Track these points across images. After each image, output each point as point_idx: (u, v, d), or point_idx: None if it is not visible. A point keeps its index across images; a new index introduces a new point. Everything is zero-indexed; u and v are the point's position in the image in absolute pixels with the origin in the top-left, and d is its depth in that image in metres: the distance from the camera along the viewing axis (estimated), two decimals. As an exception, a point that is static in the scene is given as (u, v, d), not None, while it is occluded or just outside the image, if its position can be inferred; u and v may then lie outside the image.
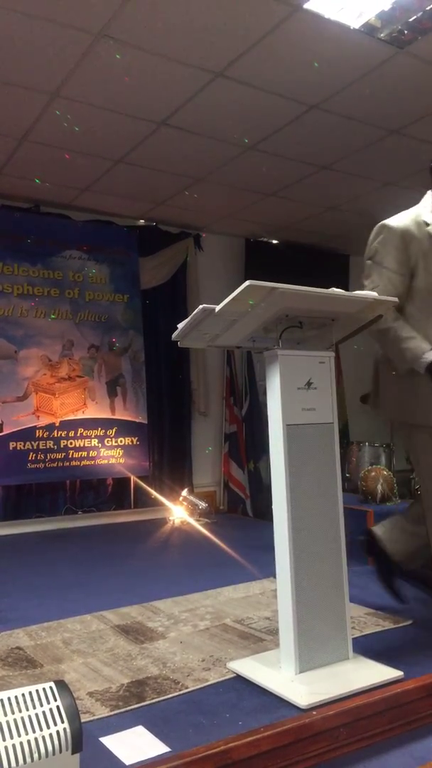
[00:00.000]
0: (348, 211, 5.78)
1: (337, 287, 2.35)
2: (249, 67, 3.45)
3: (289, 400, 2.26)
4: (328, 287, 2.31)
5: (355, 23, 3.09)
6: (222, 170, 4.82)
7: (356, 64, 3.45)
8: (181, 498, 5.72)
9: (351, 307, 2.37)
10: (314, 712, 1.92)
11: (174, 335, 2.34)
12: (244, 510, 6.04)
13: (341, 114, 3.99)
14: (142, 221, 5.96)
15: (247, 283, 2.05)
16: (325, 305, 2.31)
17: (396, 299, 2.46)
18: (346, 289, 2.45)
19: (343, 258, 7.03)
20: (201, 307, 2.17)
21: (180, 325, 2.30)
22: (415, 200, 2.88)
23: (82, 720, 1.52)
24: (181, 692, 2.16)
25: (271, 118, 4.04)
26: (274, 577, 2.28)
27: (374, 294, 2.37)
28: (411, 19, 3.06)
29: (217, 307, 2.13)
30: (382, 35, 3.18)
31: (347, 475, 5.14)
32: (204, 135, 4.24)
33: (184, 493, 5.76)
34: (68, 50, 3.27)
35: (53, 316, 5.39)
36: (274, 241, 6.59)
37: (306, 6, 2.96)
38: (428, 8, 2.98)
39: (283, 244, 6.60)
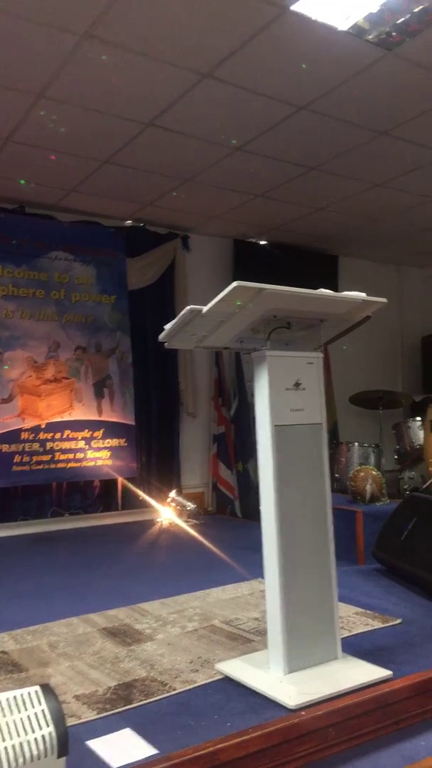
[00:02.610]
0: (336, 212, 5.80)
1: (326, 288, 2.35)
2: (237, 68, 3.44)
3: (277, 400, 2.25)
4: (316, 288, 2.31)
5: (343, 25, 3.09)
6: (210, 171, 4.82)
7: (344, 65, 3.45)
8: (169, 499, 5.70)
9: (339, 307, 2.37)
10: (303, 713, 1.92)
11: (161, 336, 2.33)
12: (232, 511, 6.03)
13: (329, 115, 3.99)
14: (129, 222, 5.94)
15: (234, 283, 2.05)
16: (313, 306, 2.31)
17: (384, 300, 2.46)
18: (335, 290, 2.45)
19: (331, 259, 7.05)
20: (188, 308, 2.17)
21: (167, 326, 2.29)
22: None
23: (69, 723, 1.50)
24: (169, 694, 2.15)
25: (259, 119, 4.04)
26: (263, 577, 2.28)
27: (362, 295, 2.37)
28: (399, 21, 3.06)
29: (205, 308, 2.12)
30: (370, 37, 3.19)
31: (336, 475, 5.15)
32: (192, 136, 4.23)
33: (173, 494, 5.75)
34: (54, 51, 3.24)
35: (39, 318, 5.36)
36: (263, 242, 6.59)
37: (293, 8, 2.96)
38: (416, 10, 2.99)
39: (271, 245, 6.61)
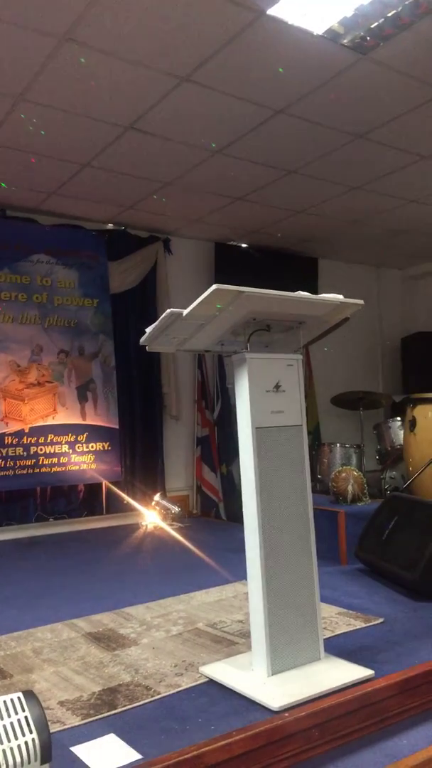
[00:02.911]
0: (316, 214, 5.84)
1: (307, 290, 2.37)
2: (214, 72, 3.46)
3: (257, 402, 2.27)
4: (296, 290, 2.33)
5: (318, 29, 3.12)
6: (189, 174, 4.83)
7: (320, 69, 3.48)
8: (153, 502, 5.70)
9: (317, 309, 2.39)
10: (286, 714, 1.93)
11: (142, 340, 2.34)
12: (217, 513, 6.04)
13: (306, 119, 4.03)
14: (110, 225, 5.93)
15: (214, 287, 2.06)
16: (292, 308, 2.32)
17: (362, 302, 2.48)
18: (316, 292, 2.47)
19: (311, 261, 7.10)
20: (169, 311, 2.17)
21: (148, 330, 2.29)
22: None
23: (53, 730, 1.50)
24: (153, 698, 2.15)
25: (237, 123, 4.06)
26: (247, 579, 2.28)
27: (340, 297, 2.40)
28: (373, 26, 3.10)
29: (185, 311, 2.13)
30: (345, 41, 3.22)
31: (318, 476, 5.17)
32: (171, 139, 4.24)
33: (157, 497, 5.74)
34: (32, 54, 3.24)
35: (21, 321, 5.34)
36: (243, 245, 6.62)
37: (269, 12, 2.98)
38: (389, 15, 3.02)
39: (252, 247, 6.63)
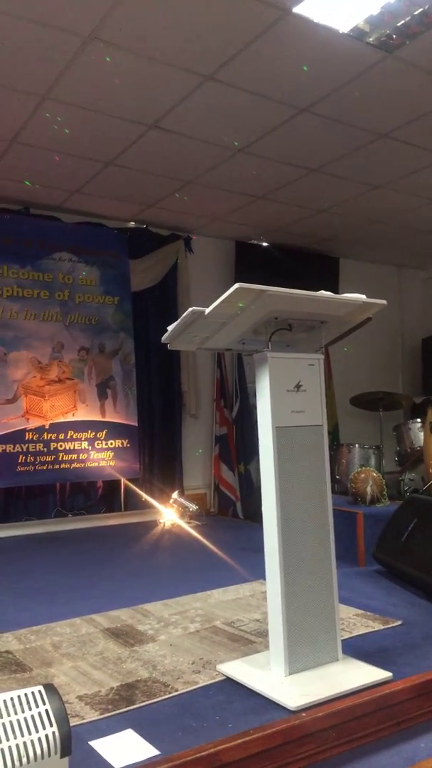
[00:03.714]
0: (337, 214, 5.81)
1: (327, 290, 2.36)
2: (239, 71, 3.46)
3: (278, 402, 2.26)
4: (317, 290, 2.32)
5: (344, 27, 3.11)
6: (212, 173, 4.83)
7: (345, 68, 3.46)
8: (171, 500, 5.71)
9: (340, 309, 2.38)
10: (304, 714, 1.93)
11: (164, 338, 2.34)
12: (234, 512, 6.04)
13: (330, 117, 4.01)
14: (132, 223, 5.95)
15: (236, 285, 2.06)
16: (314, 308, 2.32)
17: (384, 302, 2.47)
18: (337, 292, 2.46)
19: (332, 260, 7.06)
20: (191, 309, 2.18)
21: (170, 328, 2.30)
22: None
23: (72, 723, 1.51)
24: (171, 695, 2.16)
25: (260, 121, 4.05)
26: (264, 579, 2.29)
27: (363, 297, 2.38)
28: (399, 24, 3.08)
29: (207, 310, 2.13)
30: (370, 39, 3.20)
31: (337, 477, 5.15)
32: (194, 138, 4.24)
33: (175, 495, 5.76)
34: (58, 52, 3.27)
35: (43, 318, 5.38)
36: (264, 244, 6.61)
37: (295, 10, 2.98)
38: (416, 13, 3.00)
39: (273, 246, 6.62)
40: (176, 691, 2.19)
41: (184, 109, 3.85)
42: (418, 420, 5.76)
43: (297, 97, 3.77)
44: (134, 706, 2.08)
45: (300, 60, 3.38)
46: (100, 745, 1.83)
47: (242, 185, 5.11)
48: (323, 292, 2.31)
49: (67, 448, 5.41)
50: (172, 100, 3.77)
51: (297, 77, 3.53)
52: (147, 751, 1.80)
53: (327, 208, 5.66)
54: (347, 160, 4.66)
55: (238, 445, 6.22)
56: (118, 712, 2.04)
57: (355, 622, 2.88)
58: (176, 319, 2.26)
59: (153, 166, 4.69)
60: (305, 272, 6.62)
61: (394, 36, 3.17)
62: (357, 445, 5.25)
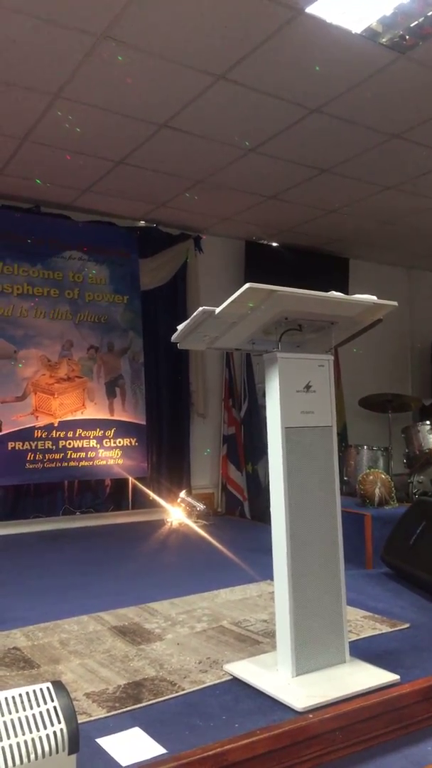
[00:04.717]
0: (348, 214, 5.79)
1: (337, 291, 2.35)
2: (250, 70, 3.45)
3: (288, 402, 2.26)
4: (327, 290, 2.31)
5: (357, 28, 3.10)
6: (222, 172, 4.83)
7: (357, 68, 3.45)
8: (179, 499, 5.72)
9: (350, 310, 2.38)
10: (310, 715, 1.93)
11: (173, 337, 2.35)
12: (241, 512, 6.04)
13: (342, 118, 3.99)
14: (142, 222, 5.96)
15: (246, 285, 2.06)
16: (324, 308, 2.31)
17: (395, 303, 2.46)
18: (346, 293, 2.45)
19: (342, 261, 7.05)
20: (201, 309, 2.18)
21: (180, 327, 2.30)
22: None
23: (79, 721, 1.52)
24: (178, 694, 2.16)
25: (272, 121, 4.04)
26: (271, 579, 2.29)
27: (373, 298, 2.38)
28: (412, 25, 3.06)
29: (217, 310, 2.13)
30: (383, 40, 3.19)
31: (345, 478, 5.14)
32: (205, 137, 4.24)
33: (182, 494, 5.76)
34: (70, 51, 3.27)
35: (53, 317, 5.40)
36: (274, 244, 6.60)
37: (308, 10, 2.97)
38: (429, 14, 2.98)
39: (283, 246, 6.61)
40: (183, 690, 2.19)
41: (196, 108, 3.85)
42: (428, 422, 5.73)
43: (309, 98, 3.76)
44: (141, 705, 2.08)
45: (312, 60, 3.38)
46: (108, 743, 1.84)
47: (253, 185, 5.10)
48: (334, 293, 2.31)
49: (76, 446, 5.43)
50: (183, 100, 3.77)
51: (309, 77, 3.53)
52: (154, 749, 1.80)
53: (337, 208, 5.65)
54: (358, 161, 4.64)
55: (246, 445, 6.22)
56: (125, 710, 2.05)
57: (362, 624, 2.88)
58: (186, 319, 2.27)
59: (164, 165, 4.70)
60: (315, 273, 6.60)
61: (407, 37, 3.16)
62: (365, 447, 5.24)
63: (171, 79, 3.54)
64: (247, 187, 5.14)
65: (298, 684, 2.14)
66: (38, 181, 4.98)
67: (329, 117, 3.98)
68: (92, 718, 1.98)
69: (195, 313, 2.20)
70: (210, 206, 5.59)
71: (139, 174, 4.84)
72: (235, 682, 2.26)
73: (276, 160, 4.62)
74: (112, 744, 1.83)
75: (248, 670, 2.30)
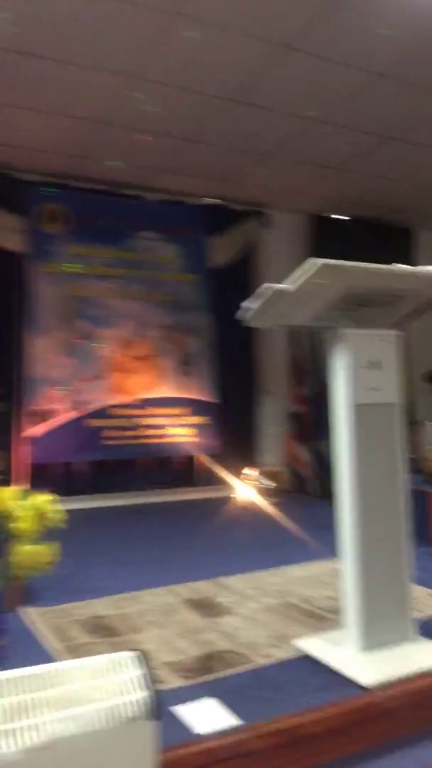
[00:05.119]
0: (416, 183, 5.60)
1: (401, 263, 2.29)
2: (315, 37, 3.39)
3: (354, 379, 2.24)
4: (391, 263, 2.25)
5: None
6: (290, 144, 4.77)
7: (424, 29, 3.31)
8: (247, 477, 5.77)
9: (419, 284, 2.31)
10: (379, 691, 1.94)
11: (241, 315, 2.34)
12: (308, 489, 6.04)
13: (409, 82, 3.87)
14: (211, 200, 5.94)
15: (319, 262, 2.03)
16: (392, 282, 2.26)
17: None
18: (411, 265, 2.39)
19: (406, 232, 6.85)
20: (268, 286, 2.17)
21: (247, 304, 2.30)
22: None
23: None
24: (249, 667, 2.22)
25: (337, 89, 3.96)
26: (337, 556, 2.30)
27: (443, 269, 2.30)
28: None
29: (284, 286, 2.12)
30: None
31: (411, 456, 5.04)
32: (272, 110, 4.20)
33: (251, 472, 5.81)
34: (143, 31, 3.30)
35: (128, 297, 5.51)
36: (339, 217, 6.46)
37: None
38: None
39: (349, 220, 6.48)
40: (253, 663, 2.25)
41: (262, 80, 3.82)
42: None
43: (374, 62, 3.67)
44: (215, 676, 2.16)
45: (376, 23, 3.27)
46: (184, 712, 1.91)
47: (320, 156, 5.02)
48: (400, 266, 2.25)
49: (150, 423, 5.56)
50: (250, 72, 3.73)
51: (373, 41, 3.42)
52: (228, 719, 1.87)
53: (405, 177, 5.47)
54: (426, 127, 4.48)
55: (313, 423, 6.18)
56: (199, 680, 2.13)
57: (426, 602, 2.86)
58: (254, 296, 2.26)
59: (232, 141, 4.69)
60: (380, 245, 6.42)
61: None
62: (429, 423, 5.11)
63: (238, 52, 3.51)
64: (312, 158, 5.06)
65: (366, 660, 2.16)
66: (116, 163, 5.01)
67: (395, 82, 3.87)
68: (169, 687, 2.07)
69: (263, 290, 2.18)
70: (277, 181, 5.54)
71: (208, 151, 4.84)
72: (304, 656, 2.30)
73: (342, 129, 4.53)
74: (188, 713, 1.91)
75: (316, 645, 2.34)
